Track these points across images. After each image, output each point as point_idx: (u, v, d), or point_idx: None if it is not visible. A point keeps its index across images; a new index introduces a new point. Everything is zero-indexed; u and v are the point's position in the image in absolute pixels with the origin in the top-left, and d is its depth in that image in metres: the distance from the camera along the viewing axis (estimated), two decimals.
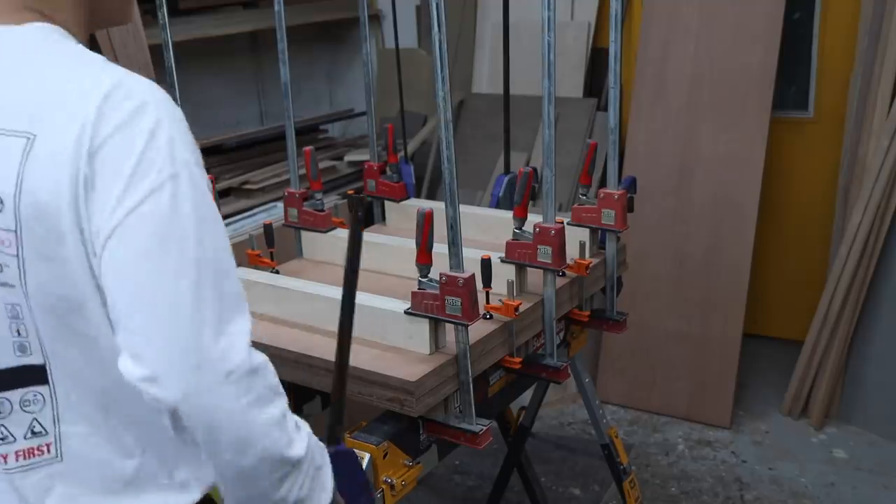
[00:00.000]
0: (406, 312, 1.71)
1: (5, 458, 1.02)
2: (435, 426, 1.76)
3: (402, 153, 2.61)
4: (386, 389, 1.65)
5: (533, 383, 2.33)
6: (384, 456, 1.65)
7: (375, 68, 4.96)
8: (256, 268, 2.14)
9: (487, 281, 1.79)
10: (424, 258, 1.67)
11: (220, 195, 3.69)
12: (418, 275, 1.68)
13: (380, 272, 2.19)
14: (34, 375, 1.01)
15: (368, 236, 2.33)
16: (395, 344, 1.76)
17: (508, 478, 2.79)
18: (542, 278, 1.91)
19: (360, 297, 1.87)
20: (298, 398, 1.96)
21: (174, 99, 2.03)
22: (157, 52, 2.55)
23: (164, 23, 1.99)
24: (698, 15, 3.66)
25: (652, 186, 3.59)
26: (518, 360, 1.89)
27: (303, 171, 2.28)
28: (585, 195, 2.12)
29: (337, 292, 1.92)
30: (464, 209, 2.39)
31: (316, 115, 4.65)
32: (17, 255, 0.96)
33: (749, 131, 3.52)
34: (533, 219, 1.90)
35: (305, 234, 2.33)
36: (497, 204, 2.53)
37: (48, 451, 1.03)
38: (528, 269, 1.94)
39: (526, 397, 2.45)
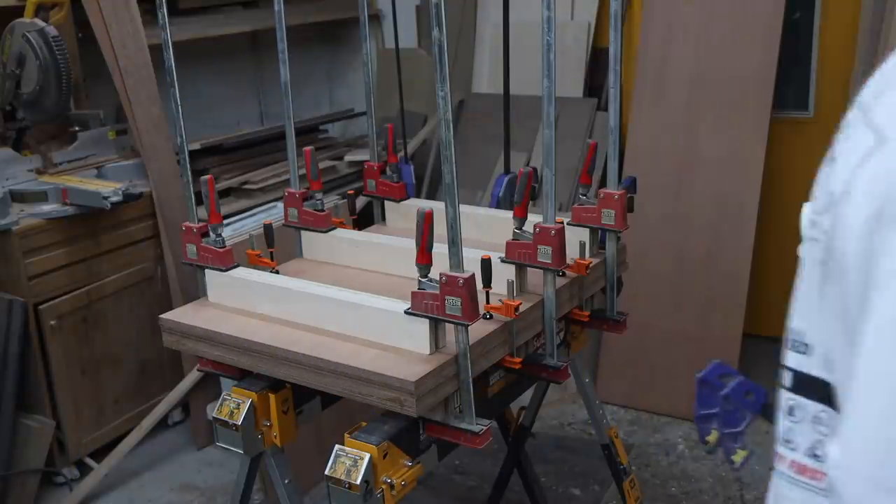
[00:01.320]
0: (406, 312, 1.71)
1: (783, 459, 0.94)
2: (435, 426, 1.76)
3: (402, 153, 2.61)
4: (386, 389, 1.65)
5: (533, 383, 2.33)
6: (384, 456, 1.65)
7: (375, 68, 4.95)
8: (256, 268, 2.14)
9: (487, 281, 1.79)
10: (424, 258, 1.67)
11: (221, 195, 3.69)
12: (418, 275, 1.68)
13: (380, 272, 2.19)
14: (817, 389, 0.89)
15: (368, 236, 2.33)
16: (395, 344, 1.76)
17: (508, 478, 2.79)
18: (542, 278, 1.91)
19: (360, 297, 1.87)
20: (298, 398, 1.96)
21: (174, 99, 2.04)
22: (157, 52, 2.56)
23: (164, 23, 1.99)
24: (698, 15, 3.66)
25: (652, 186, 3.59)
26: (518, 360, 1.89)
27: (303, 171, 2.28)
28: (585, 195, 2.12)
29: (336, 292, 1.92)
30: (464, 209, 2.39)
31: (316, 115, 4.65)
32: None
33: (749, 131, 3.52)
34: (533, 219, 1.90)
35: (305, 234, 2.33)
36: (497, 204, 2.53)
37: (818, 479, 0.89)
38: (528, 269, 1.94)
39: (526, 397, 2.45)
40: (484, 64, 4.48)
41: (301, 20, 4.53)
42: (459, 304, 1.62)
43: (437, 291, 1.64)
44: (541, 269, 1.88)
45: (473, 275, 1.64)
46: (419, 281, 1.69)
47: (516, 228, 1.90)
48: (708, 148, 3.59)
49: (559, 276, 1.93)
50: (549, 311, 1.93)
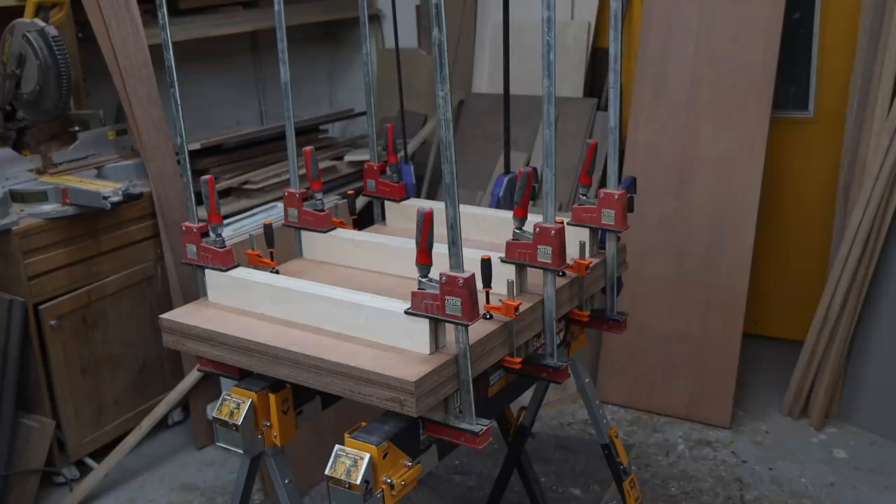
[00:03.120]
0: (406, 312, 1.71)
1: None
2: (435, 426, 1.75)
3: (402, 153, 2.61)
4: (386, 389, 1.65)
5: (533, 383, 2.33)
6: (384, 456, 1.65)
7: (375, 68, 4.96)
8: (256, 268, 2.14)
9: (487, 281, 1.79)
10: (424, 258, 1.67)
11: (221, 195, 3.69)
12: (418, 275, 1.68)
13: (380, 272, 2.19)
14: None
15: (368, 236, 2.33)
16: (395, 344, 1.76)
17: (508, 478, 2.79)
18: (542, 278, 1.91)
19: (360, 297, 1.87)
20: (298, 398, 1.96)
21: (174, 99, 2.04)
22: (157, 52, 2.56)
23: (164, 23, 1.99)
24: (698, 15, 3.66)
25: (652, 186, 3.59)
26: (518, 360, 1.89)
27: (303, 171, 2.28)
28: (585, 195, 2.12)
29: (336, 292, 1.93)
30: (464, 209, 2.39)
31: (316, 115, 4.65)
32: None
33: (749, 131, 3.52)
34: (533, 219, 1.90)
35: (305, 234, 2.33)
36: (497, 204, 2.53)
37: None
38: (528, 269, 1.94)
39: (526, 397, 2.45)
40: (484, 64, 4.48)
41: (301, 20, 4.53)
42: (459, 304, 1.62)
43: (437, 291, 1.65)
44: (541, 269, 1.88)
45: (473, 275, 1.64)
46: (419, 281, 1.69)
47: (516, 228, 1.90)
48: (708, 148, 3.59)
49: (559, 276, 1.93)
50: (549, 310, 1.93)
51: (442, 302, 1.64)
